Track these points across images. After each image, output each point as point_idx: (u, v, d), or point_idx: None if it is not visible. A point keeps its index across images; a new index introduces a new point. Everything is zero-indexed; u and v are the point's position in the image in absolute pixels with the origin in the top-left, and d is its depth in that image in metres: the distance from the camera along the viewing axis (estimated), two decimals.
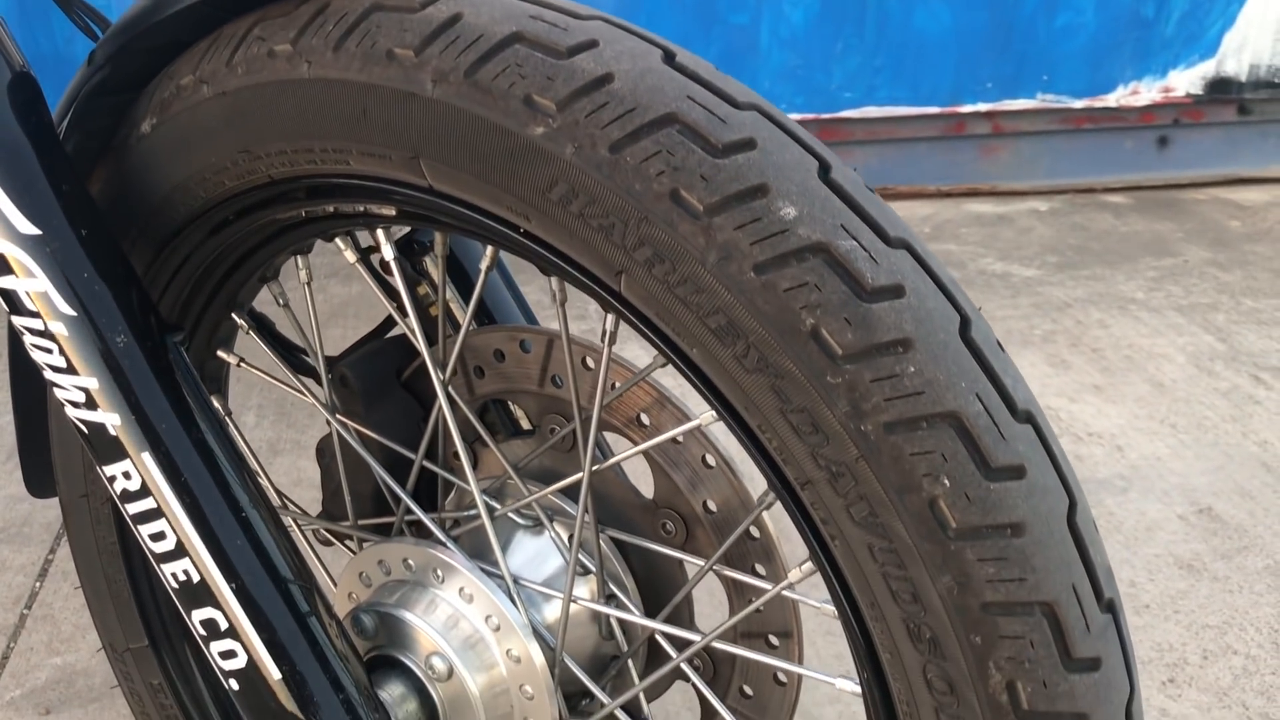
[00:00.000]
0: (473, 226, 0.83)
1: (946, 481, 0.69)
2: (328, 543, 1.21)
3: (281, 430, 2.53)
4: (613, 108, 0.72)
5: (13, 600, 1.99)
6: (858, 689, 0.83)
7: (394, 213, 0.88)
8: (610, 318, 0.85)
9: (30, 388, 1.17)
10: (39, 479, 1.27)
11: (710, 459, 0.98)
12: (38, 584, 2.03)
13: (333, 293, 3.19)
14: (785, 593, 0.89)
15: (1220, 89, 3.99)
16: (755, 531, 0.98)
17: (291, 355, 1.15)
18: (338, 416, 1.07)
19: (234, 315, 1.08)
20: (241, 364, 1.11)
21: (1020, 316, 3.12)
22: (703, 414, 0.85)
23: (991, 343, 0.73)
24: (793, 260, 0.69)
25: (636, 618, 0.99)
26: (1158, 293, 3.28)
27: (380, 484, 1.11)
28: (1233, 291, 3.28)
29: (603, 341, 0.86)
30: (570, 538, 1.00)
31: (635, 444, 1.01)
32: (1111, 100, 3.94)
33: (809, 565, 0.83)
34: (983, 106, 3.88)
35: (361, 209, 0.90)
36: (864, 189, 0.73)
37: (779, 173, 0.71)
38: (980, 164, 4.01)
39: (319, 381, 1.10)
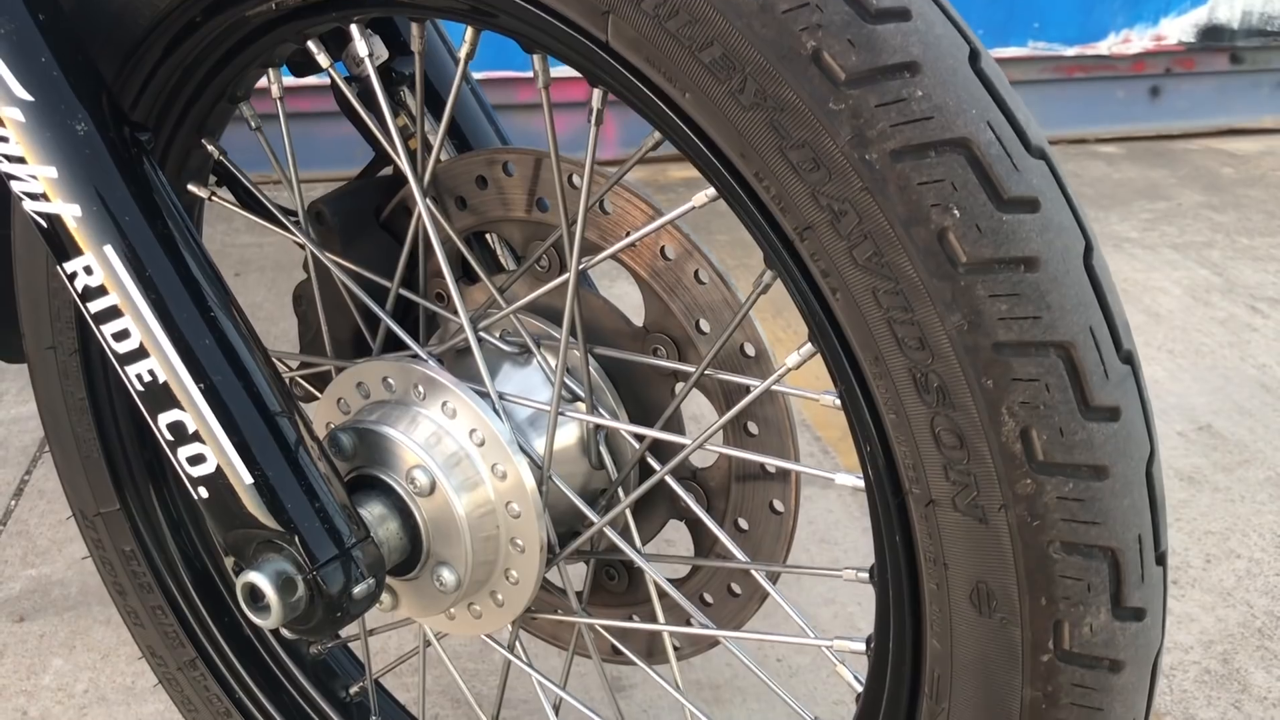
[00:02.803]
0: None
1: (956, 212, 0.65)
2: (308, 399, 1.17)
3: None
4: None
5: None
6: (859, 482, 0.79)
7: None
8: (597, 94, 0.80)
9: None
10: (5, 341, 1.23)
11: (703, 275, 0.94)
12: (13, 503, 1.98)
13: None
14: (778, 387, 0.85)
15: (1212, 37, 3.96)
16: (750, 349, 0.94)
17: (266, 204, 1.10)
18: (313, 245, 1.02)
19: (205, 143, 1.03)
20: (213, 197, 1.06)
21: None
22: (696, 195, 0.81)
23: (1002, 77, 0.68)
24: None
25: (623, 425, 0.95)
26: (1152, 233, 3.24)
27: (359, 323, 1.07)
28: (1227, 231, 3.25)
29: (589, 122, 0.82)
30: (554, 368, 0.96)
31: (628, 267, 0.97)
32: (1103, 48, 3.91)
33: (807, 348, 0.79)
34: None
35: None
36: None
37: None
38: None
39: (294, 223, 1.06)
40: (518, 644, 1.05)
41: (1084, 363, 0.66)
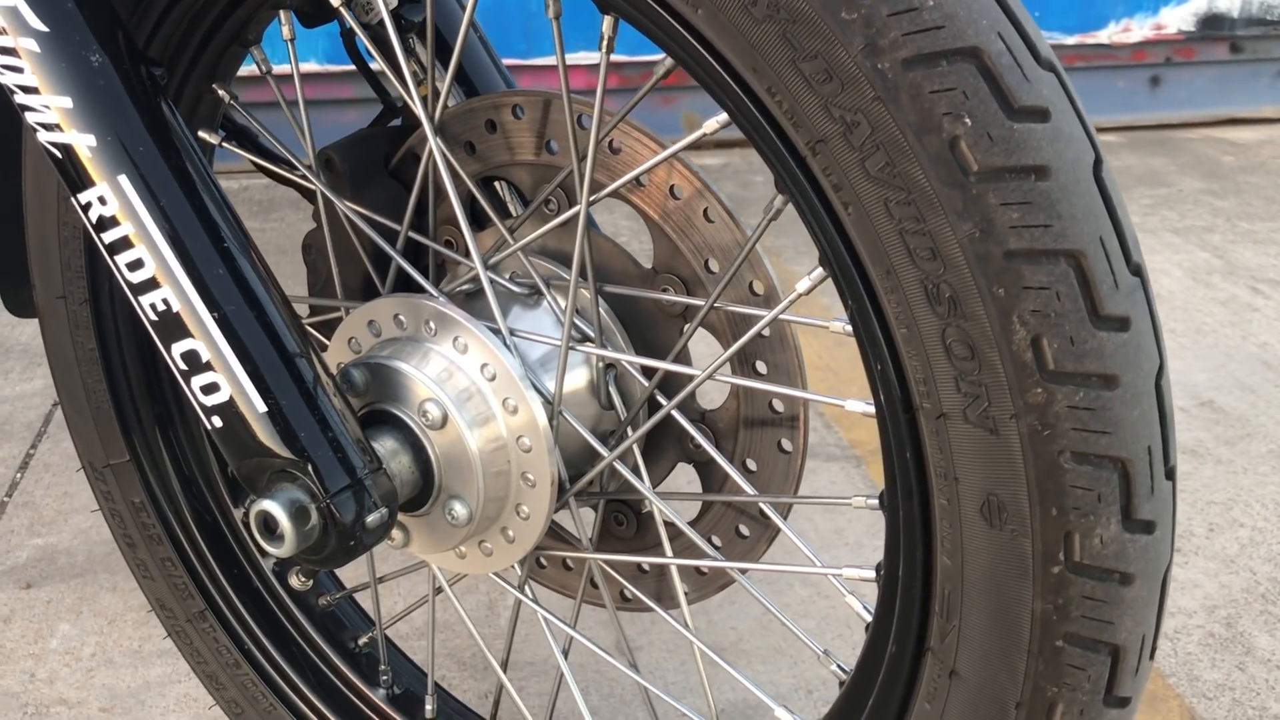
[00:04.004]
0: None
1: (968, 120, 0.65)
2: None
3: None
4: None
5: None
6: (870, 408, 0.79)
7: None
8: (608, 20, 0.81)
9: (6, 184, 1.13)
10: (15, 294, 1.23)
11: (712, 213, 0.94)
12: (19, 475, 1.99)
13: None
14: (785, 316, 0.85)
15: (1212, 26, 3.97)
16: (759, 287, 0.94)
17: (278, 148, 1.11)
18: (323, 188, 1.03)
19: (216, 88, 1.04)
20: (223, 144, 1.07)
21: None
22: (707, 122, 0.81)
23: None
24: None
25: (632, 357, 0.95)
26: (1152, 217, 3.25)
27: (368, 269, 1.08)
28: (1228, 216, 3.26)
29: (600, 50, 0.83)
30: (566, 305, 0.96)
31: (637, 208, 0.97)
32: (1103, 37, 3.92)
33: (818, 272, 0.79)
34: None
35: None
36: None
37: None
38: None
39: (306, 167, 1.06)
40: (526, 588, 1.05)
41: (1094, 272, 0.67)
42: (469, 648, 1.57)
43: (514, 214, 1.10)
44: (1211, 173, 3.63)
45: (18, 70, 0.83)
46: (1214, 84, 4.10)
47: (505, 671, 1.11)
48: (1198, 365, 2.36)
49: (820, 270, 0.79)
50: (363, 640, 1.23)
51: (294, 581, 1.21)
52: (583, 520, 1.04)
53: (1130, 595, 0.72)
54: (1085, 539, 0.69)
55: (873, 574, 0.84)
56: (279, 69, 1.03)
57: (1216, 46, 4.02)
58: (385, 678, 1.20)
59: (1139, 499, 0.70)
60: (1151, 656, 0.76)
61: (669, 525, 1.01)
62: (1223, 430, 2.12)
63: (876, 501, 0.83)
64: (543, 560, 1.13)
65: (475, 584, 1.68)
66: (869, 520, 1.83)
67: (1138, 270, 0.69)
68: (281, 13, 0.98)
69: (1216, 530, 1.83)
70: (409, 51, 1.08)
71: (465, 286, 1.01)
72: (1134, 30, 3.93)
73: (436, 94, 1.00)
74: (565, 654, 1.07)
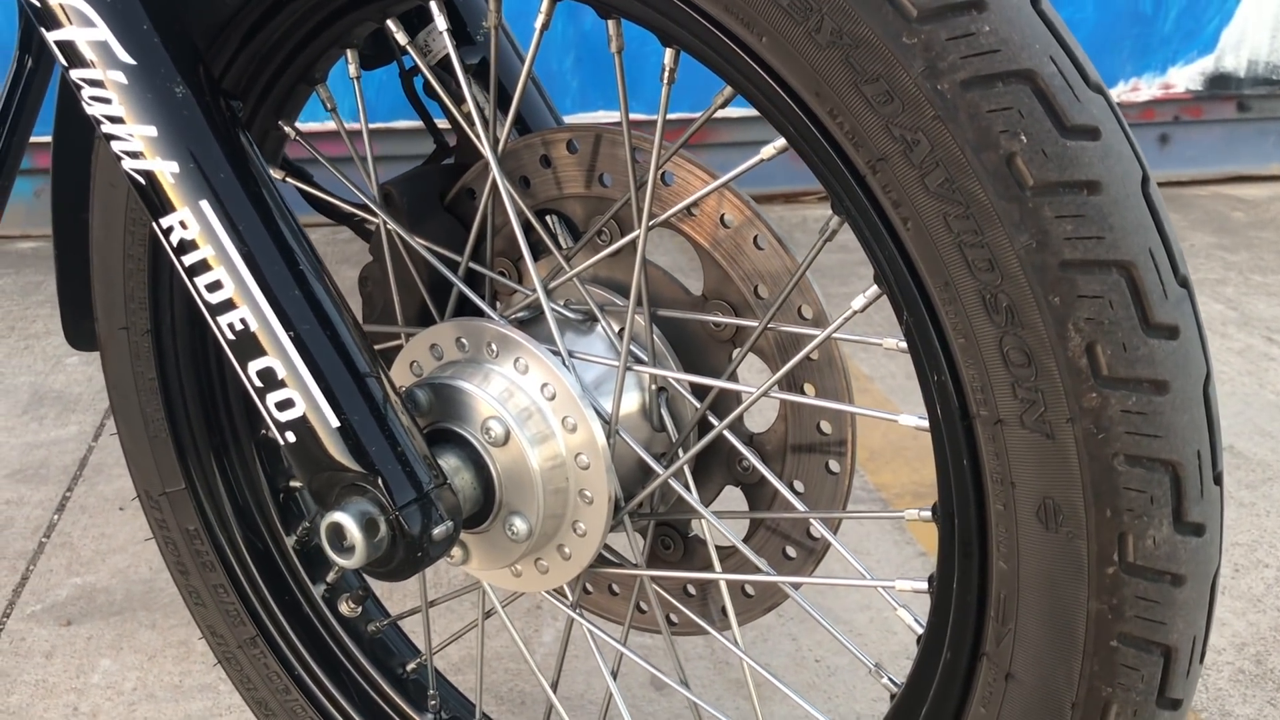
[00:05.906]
0: None
1: (1024, 138, 0.69)
2: None
3: None
4: None
5: (31, 530, 1.97)
6: (923, 422, 0.82)
7: None
8: (669, 53, 0.85)
9: (73, 220, 1.17)
10: (77, 328, 1.26)
11: (761, 240, 0.98)
12: (56, 517, 2.01)
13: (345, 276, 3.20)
14: (838, 335, 0.88)
15: (1219, 85, 4.03)
16: (808, 311, 0.98)
17: (343, 182, 1.15)
18: (387, 221, 1.07)
19: (282, 124, 1.08)
20: (286, 180, 1.11)
21: None
22: (764, 149, 0.85)
23: (1061, 19, 0.73)
24: None
25: (687, 375, 0.98)
26: None
27: (424, 299, 1.11)
28: (1240, 269, 3.30)
29: (662, 81, 0.87)
30: (620, 330, 1.00)
31: (688, 236, 1.01)
32: (1112, 96, 3.98)
33: (872, 290, 0.83)
34: None
35: None
36: None
37: None
38: None
39: (369, 205, 1.10)
40: (574, 607, 1.08)
41: (1144, 282, 0.70)
42: (505, 683, 1.59)
43: (564, 245, 1.14)
44: (1222, 228, 3.68)
45: (106, 101, 0.87)
46: (1222, 142, 4.16)
47: (555, 692, 1.13)
48: None
49: (875, 288, 0.82)
50: (411, 666, 1.25)
51: (344, 608, 1.23)
52: (633, 543, 1.07)
53: (1182, 596, 0.74)
54: (1139, 540, 0.72)
55: (925, 585, 0.87)
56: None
57: (1224, 105, 4.09)
58: (434, 704, 1.22)
59: (1189, 501, 0.73)
60: (1201, 660, 0.79)
61: (719, 546, 1.04)
62: (1244, 474, 2.14)
63: (929, 513, 0.85)
64: (588, 587, 1.15)
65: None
66: (894, 554, 1.84)
67: (1184, 282, 0.73)
68: (349, 51, 1.02)
69: (1242, 571, 1.84)
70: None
71: (521, 313, 1.04)
72: (1142, 89, 4.00)
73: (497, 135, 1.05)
74: (615, 675, 1.09)
